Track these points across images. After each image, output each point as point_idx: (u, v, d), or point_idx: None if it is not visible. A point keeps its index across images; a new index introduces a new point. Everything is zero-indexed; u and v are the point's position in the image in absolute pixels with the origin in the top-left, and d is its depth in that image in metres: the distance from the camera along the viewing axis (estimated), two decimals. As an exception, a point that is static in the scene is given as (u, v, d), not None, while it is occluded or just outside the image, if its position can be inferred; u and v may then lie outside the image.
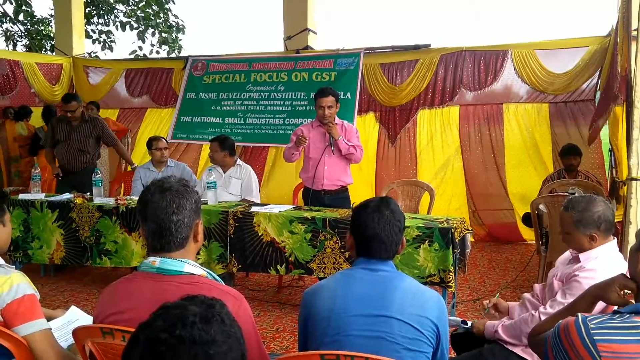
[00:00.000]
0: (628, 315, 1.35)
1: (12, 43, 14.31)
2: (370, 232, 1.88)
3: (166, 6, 13.93)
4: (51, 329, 1.95)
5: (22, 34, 14.46)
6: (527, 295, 2.60)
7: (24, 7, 13.16)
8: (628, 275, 1.61)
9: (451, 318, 2.64)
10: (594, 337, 1.31)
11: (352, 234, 1.96)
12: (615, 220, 2.44)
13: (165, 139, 5.49)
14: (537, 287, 2.59)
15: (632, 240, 3.58)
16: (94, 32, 14.17)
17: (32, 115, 7.99)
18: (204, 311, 1.05)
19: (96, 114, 7.64)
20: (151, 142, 5.35)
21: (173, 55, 13.48)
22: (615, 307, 1.58)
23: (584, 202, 2.34)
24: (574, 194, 4.48)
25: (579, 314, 1.38)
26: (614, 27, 5.27)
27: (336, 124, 4.55)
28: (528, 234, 6.27)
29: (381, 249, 1.88)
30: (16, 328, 1.86)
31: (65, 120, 5.61)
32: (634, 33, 4.01)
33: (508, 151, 6.55)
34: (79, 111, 5.53)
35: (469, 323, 2.62)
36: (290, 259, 4.13)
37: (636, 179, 3.62)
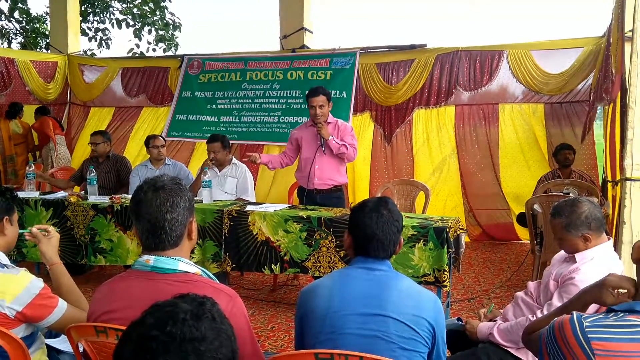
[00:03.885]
0: (622, 313, 1.36)
1: (6, 40, 14.26)
2: (368, 232, 1.89)
3: (162, 4, 13.91)
4: (67, 304, 2.09)
5: (17, 32, 14.41)
6: (520, 293, 2.60)
7: (19, 5, 13.11)
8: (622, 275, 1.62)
9: (447, 321, 2.64)
10: (589, 335, 1.31)
11: (350, 233, 1.97)
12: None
13: (163, 137, 5.49)
14: (531, 284, 2.60)
15: (626, 240, 3.59)
16: (90, 30, 14.14)
17: (23, 112, 7.98)
18: (194, 308, 1.06)
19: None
20: (148, 140, 5.39)
21: (170, 53, 13.48)
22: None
23: (569, 205, 2.35)
24: (568, 194, 4.50)
25: (574, 312, 1.38)
26: (609, 28, 5.29)
27: (329, 122, 4.54)
28: (523, 233, 6.29)
29: (379, 249, 1.89)
30: (44, 321, 2.02)
31: (92, 159, 5.57)
32: (628, 34, 4.02)
33: (503, 151, 6.57)
34: (103, 147, 5.43)
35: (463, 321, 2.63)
36: (285, 258, 4.13)
37: (630, 179, 3.64)
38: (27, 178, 5.07)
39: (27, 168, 5.19)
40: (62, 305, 2.07)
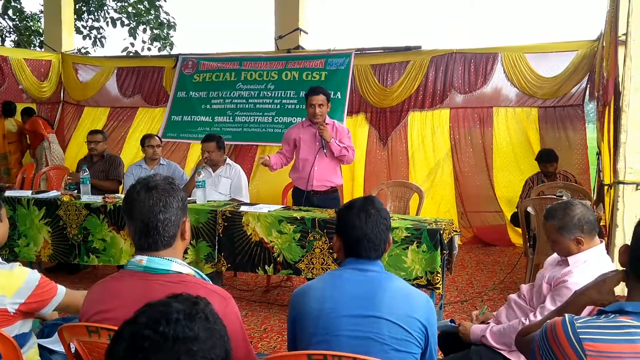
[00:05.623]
0: (613, 315, 1.37)
1: (0, 39, 14.20)
2: (358, 233, 1.88)
3: (157, 3, 13.88)
4: (65, 289, 2.18)
5: (11, 30, 14.34)
6: (513, 296, 2.61)
7: (12, 3, 13.06)
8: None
9: (439, 323, 2.65)
10: (580, 337, 1.32)
11: (339, 235, 1.95)
12: (600, 224, 2.46)
13: (158, 137, 5.48)
14: (524, 287, 2.61)
15: (618, 242, 3.61)
16: (85, 28, 14.10)
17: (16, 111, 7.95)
18: (187, 308, 1.05)
19: (27, 120, 7.73)
20: (144, 139, 5.39)
21: (164, 52, 13.45)
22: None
23: (562, 208, 2.37)
24: (561, 196, 4.52)
25: (566, 314, 1.40)
26: (602, 32, 5.32)
27: (327, 124, 4.54)
28: (516, 238, 6.30)
29: (370, 249, 1.88)
30: (46, 308, 2.12)
31: (86, 157, 5.65)
32: (622, 38, 4.04)
33: (497, 155, 6.58)
34: (102, 146, 5.54)
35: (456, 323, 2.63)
36: (278, 259, 4.12)
37: (623, 183, 3.66)
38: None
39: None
40: (61, 291, 2.15)
